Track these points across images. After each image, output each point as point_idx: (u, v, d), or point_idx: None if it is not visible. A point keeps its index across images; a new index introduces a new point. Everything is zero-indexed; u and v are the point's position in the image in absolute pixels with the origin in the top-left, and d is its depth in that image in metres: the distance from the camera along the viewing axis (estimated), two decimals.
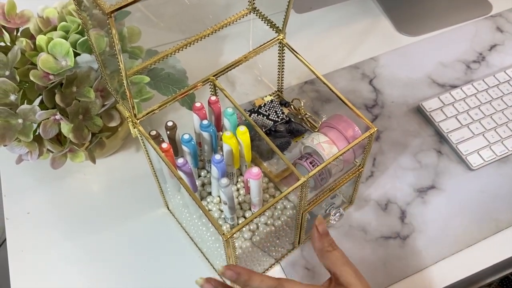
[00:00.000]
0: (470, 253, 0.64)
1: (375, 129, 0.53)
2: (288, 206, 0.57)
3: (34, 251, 0.65)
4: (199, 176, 0.59)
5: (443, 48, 0.85)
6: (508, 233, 0.66)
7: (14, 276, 0.63)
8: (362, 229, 0.66)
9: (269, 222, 0.56)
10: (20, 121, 0.58)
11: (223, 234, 0.46)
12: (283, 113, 0.63)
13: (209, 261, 0.63)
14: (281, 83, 0.69)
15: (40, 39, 0.59)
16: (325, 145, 0.56)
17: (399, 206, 0.68)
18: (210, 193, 0.58)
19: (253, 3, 0.59)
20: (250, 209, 0.56)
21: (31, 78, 0.57)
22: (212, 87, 0.59)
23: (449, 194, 0.69)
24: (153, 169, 0.59)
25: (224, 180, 0.48)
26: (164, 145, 0.51)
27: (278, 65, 0.65)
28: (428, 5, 0.90)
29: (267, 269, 0.62)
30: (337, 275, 0.49)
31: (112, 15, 0.37)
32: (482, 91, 0.77)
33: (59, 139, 0.64)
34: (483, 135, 0.73)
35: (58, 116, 0.58)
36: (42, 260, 0.64)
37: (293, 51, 0.59)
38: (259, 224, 0.56)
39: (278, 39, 0.60)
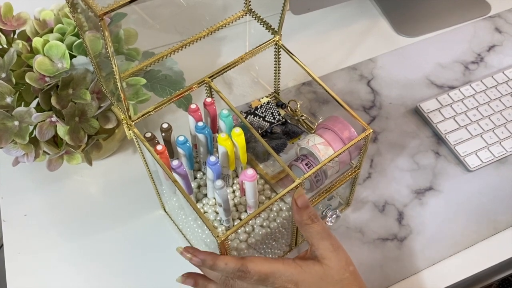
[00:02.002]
0: (468, 255, 0.64)
1: (371, 131, 0.53)
2: (284, 208, 0.57)
3: (31, 253, 0.65)
4: (195, 178, 0.59)
5: (441, 49, 0.85)
6: (507, 234, 0.65)
7: (11, 278, 0.63)
8: (359, 231, 0.66)
9: (264, 224, 0.56)
10: (16, 123, 0.58)
11: (218, 236, 0.46)
12: (279, 114, 0.63)
13: None
14: (278, 84, 0.69)
15: (36, 41, 0.59)
16: (320, 146, 0.56)
17: (397, 207, 0.67)
18: (206, 195, 0.57)
19: (249, 5, 0.59)
20: (246, 211, 0.56)
21: (27, 81, 0.57)
22: (207, 88, 0.59)
23: (447, 195, 0.68)
24: (149, 171, 0.59)
25: (219, 182, 0.48)
26: (159, 147, 0.51)
27: (275, 67, 0.65)
28: (426, 6, 0.90)
29: None
30: (314, 247, 0.48)
31: (104, 17, 0.37)
32: (480, 92, 0.77)
33: (55, 141, 0.64)
34: (481, 136, 0.73)
35: (54, 118, 0.58)
36: (39, 262, 0.64)
37: (288, 53, 0.59)
38: (255, 226, 0.56)
39: (274, 41, 0.60)
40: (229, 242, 0.48)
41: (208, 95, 0.60)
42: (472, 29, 0.87)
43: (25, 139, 0.58)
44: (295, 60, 0.59)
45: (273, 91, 0.71)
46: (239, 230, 0.55)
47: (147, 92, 0.64)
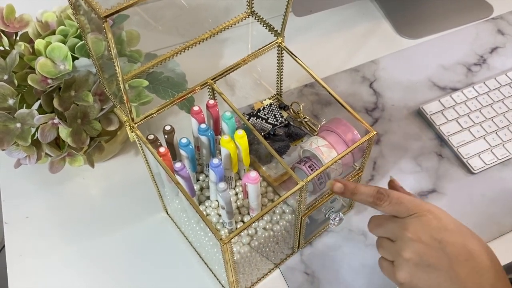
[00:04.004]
0: None
1: (374, 133, 0.53)
2: (287, 211, 0.57)
3: (33, 255, 0.65)
4: (198, 180, 0.59)
5: (444, 51, 0.84)
6: (510, 237, 0.65)
7: (13, 281, 0.63)
8: (361, 233, 0.65)
9: (267, 226, 0.55)
10: (18, 125, 0.58)
11: (221, 239, 0.46)
12: (282, 116, 0.63)
13: (207, 266, 0.63)
14: (280, 86, 0.68)
15: (39, 43, 0.59)
16: (324, 149, 0.55)
17: None
18: (208, 198, 0.57)
19: (252, 7, 0.59)
20: (248, 213, 0.56)
21: (29, 83, 0.57)
22: (210, 90, 0.58)
23: (450, 198, 0.68)
24: (151, 173, 0.59)
25: (222, 185, 0.48)
26: (162, 150, 0.51)
27: (277, 69, 0.65)
28: (428, 8, 0.90)
29: (266, 274, 0.62)
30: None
31: (107, 19, 0.37)
32: (483, 94, 0.77)
33: (57, 143, 0.64)
34: (484, 138, 0.72)
35: (56, 120, 0.58)
36: (40, 264, 0.64)
37: (291, 55, 0.59)
38: (258, 229, 0.55)
39: (276, 43, 0.60)
40: (232, 245, 0.48)
41: (211, 97, 0.59)
42: (474, 31, 0.87)
43: (27, 141, 0.58)
44: (297, 62, 0.59)
45: (275, 93, 0.70)
46: (242, 233, 0.55)
47: (150, 94, 0.64)
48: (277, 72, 0.66)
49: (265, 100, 0.67)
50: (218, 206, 0.56)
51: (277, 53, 0.63)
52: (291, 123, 0.63)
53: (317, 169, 0.53)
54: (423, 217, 0.47)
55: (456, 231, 0.47)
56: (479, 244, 0.46)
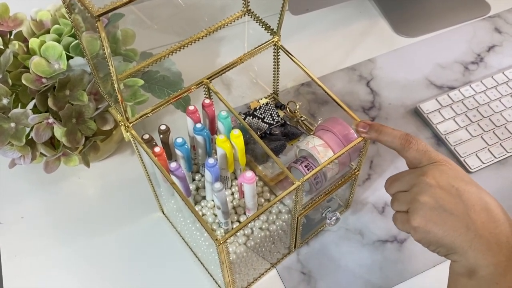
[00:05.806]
0: None
1: None
2: (283, 210, 0.56)
3: (28, 255, 0.64)
4: (193, 180, 0.58)
5: (441, 50, 0.84)
6: None
7: (8, 281, 0.62)
8: (358, 233, 0.65)
9: (264, 226, 0.55)
10: (12, 125, 0.57)
11: (216, 239, 0.45)
12: (278, 116, 0.62)
13: (204, 266, 0.62)
14: (277, 85, 0.68)
15: (33, 42, 0.59)
16: (320, 148, 0.55)
17: None
18: (204, 197, 0.57)
19: (248, 5, 0.59)
20: (244, 213, 0.56)
21: (24, 82, 0.57)
22: (206, 90, 0.58)
23: None
24: (147, 173, 0.59)
25: (217, 185, 0.48)
26: (157, 149, 0.50)
27: (274, 68, 0.65)
28: (426, 6, 0.90)
29: (263, 274, 0.62)
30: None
31: (101, 18, 0.37)
32: (480, 93, 0.77)
33: (52, 143, 0.64)
34: (481, 137, 0.72)
35: (51, 120, 0.58)
36: (36, 265, 0.64)
37: (287, 54, 0.59)
38: (254, 229, 0.55)
39: (272, 42, 0.60)
40: (228, 245, 0.47)
41: (207, 96, 0.59)
42: (471, 29, 0.87)
43: (21, 141, 0.58)
44: (294, 61, 0.58)
45: (272, 92, 0.70)
46: (238, 233, 0.54)
47: (145, 93, 0.64)
48: (274, 71, 0.66)
49: (261, 99, 0.67)
50: (214, 206, 0.56)
51: (274, 52, 0.62)
52: (288, 122, 0.63)
53: (313, 169, 0.53)
54: (442, 165, 0.47)
55: (472, 183, 0.47)
56: (494, 199, 0.46)
